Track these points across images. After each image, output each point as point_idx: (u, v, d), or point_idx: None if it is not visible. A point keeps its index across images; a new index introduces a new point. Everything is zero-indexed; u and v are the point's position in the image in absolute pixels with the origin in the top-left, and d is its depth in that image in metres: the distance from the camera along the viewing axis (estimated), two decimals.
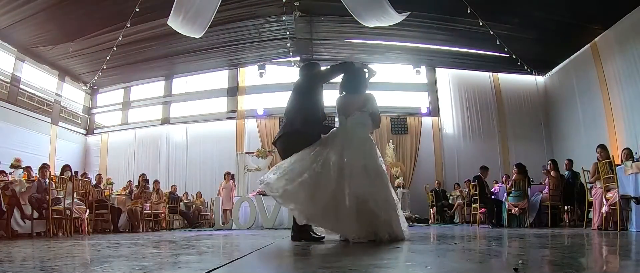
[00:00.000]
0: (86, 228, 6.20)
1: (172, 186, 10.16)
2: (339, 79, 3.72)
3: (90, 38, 9.23)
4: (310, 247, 2.89)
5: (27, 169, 6.41)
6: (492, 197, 7.31)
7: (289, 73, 11.84)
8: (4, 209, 5.10)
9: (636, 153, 5.44)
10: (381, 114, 3.68)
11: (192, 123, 11.91)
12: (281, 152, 3.64)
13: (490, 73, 11.35)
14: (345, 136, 3.40)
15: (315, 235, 3.53)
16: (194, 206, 10.31)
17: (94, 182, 7.70)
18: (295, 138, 3.47)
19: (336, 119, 3.76)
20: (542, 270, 1.65)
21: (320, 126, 3.59)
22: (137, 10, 7.56)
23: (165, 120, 12.07)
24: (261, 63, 11.63)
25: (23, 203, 5.39)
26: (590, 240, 3.42)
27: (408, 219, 8.86)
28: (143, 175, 8.18)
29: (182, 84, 12.37)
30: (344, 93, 3.66)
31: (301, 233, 3.49)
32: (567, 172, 6.81)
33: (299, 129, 3.48)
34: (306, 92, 3.62)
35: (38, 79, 10.64)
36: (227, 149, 11.03)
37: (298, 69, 11.29)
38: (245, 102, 11.80)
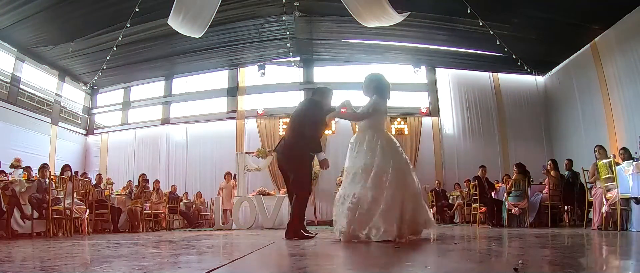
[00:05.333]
0: (86, 228, 6.20)
1: (172, 186, 10.16)
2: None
3: (90, 38, 9.23)
4: (309, 247, 2.89)
5: (27, 169, 6.41)
6: (493, 196, 7.31)
7: (289, 73, 11.84)
8: (4, 209, 5.10)
9: (636, 153, 5.44)
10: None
11: (192, 123, 11.90)
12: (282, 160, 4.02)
13: (490, 73, 11.35)
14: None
15: (307, 233, 3.78)
16: (194, 206, 10.31)
17: (94, 182, 7.69)
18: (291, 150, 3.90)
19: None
20: (542, 270, 1.65)
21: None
22: (137, 10, 7.56)
23: (165, 120, 12.07)
24: (261, 63, 11.63)
25: (23, 203, 5.39)
26: (590, 240, 3.42)
27: None
28: (143, 175, 8.18)
29: (182, 84, 12.36)
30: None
31: (295, 231, 3.74)
32: (567, 172, 6.81)
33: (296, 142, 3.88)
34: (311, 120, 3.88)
35: (38, 79, 10.64)
36: (227, 149, 11.02)
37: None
38: (245, 102, 11.79)
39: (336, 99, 4.16)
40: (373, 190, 3.16)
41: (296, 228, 3.76)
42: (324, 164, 3.86)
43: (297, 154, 3.85)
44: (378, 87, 3.58)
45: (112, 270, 1.77)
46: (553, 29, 8.48)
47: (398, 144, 3.51)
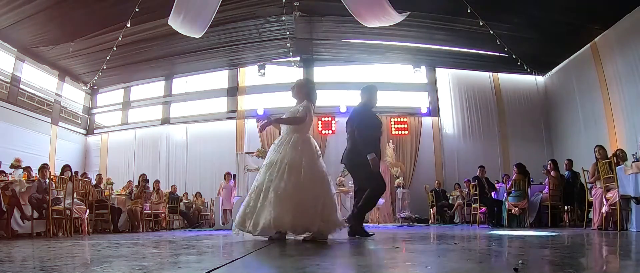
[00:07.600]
0: (86, 228, 6.20)
1: (172, 186, 10.16)
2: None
3: (90, 38, 9.23)
4: (311, 247, 2.89)
5: (27, 169, 6.39)
6: (493, 196, 7.31)
7: (289, 73, 11.84)
8: (4, 209, 5.09)
9: (636, 153, 5.44)
10: (381, 114, 3.81)
11: (192, 123, 11.91)
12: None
13: (490, 73, 11.35)
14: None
15: (367, 233, 3.90)
16: (194, 206, 10.31)
17: (94, 182, 7.69)
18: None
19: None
20: (542, 270, 1.65)
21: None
22: (137, 10, 7.56)
23: (165, 120, 12.07)
24: (261, 63, 11.63)
25: (23, 203, 5.38)
26: (590, 240, 3.42)
27: (408, 219, 8.89)
28: (143, 175, 8.18)
29: (182, 84, 12.37)
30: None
31: (356, 229, 3.88)
32: (567, 172, 6.81)
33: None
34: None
35: (38, 79, 10.65)
36: (227, 149, 11.02)
37: (298, 68, 11.28)
38: (245, 102, 11.80)
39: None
40: (295, 187, 3.23)
41: (355, 228, 3.88)
42: (371, 164, 3.90)
43: (354, 157, 4.03)
44: (309, 93, 3.70)
45: (112, 270, 1.77)
46: (553, 29, 8.48)
47: (319, 151, 3.60)
